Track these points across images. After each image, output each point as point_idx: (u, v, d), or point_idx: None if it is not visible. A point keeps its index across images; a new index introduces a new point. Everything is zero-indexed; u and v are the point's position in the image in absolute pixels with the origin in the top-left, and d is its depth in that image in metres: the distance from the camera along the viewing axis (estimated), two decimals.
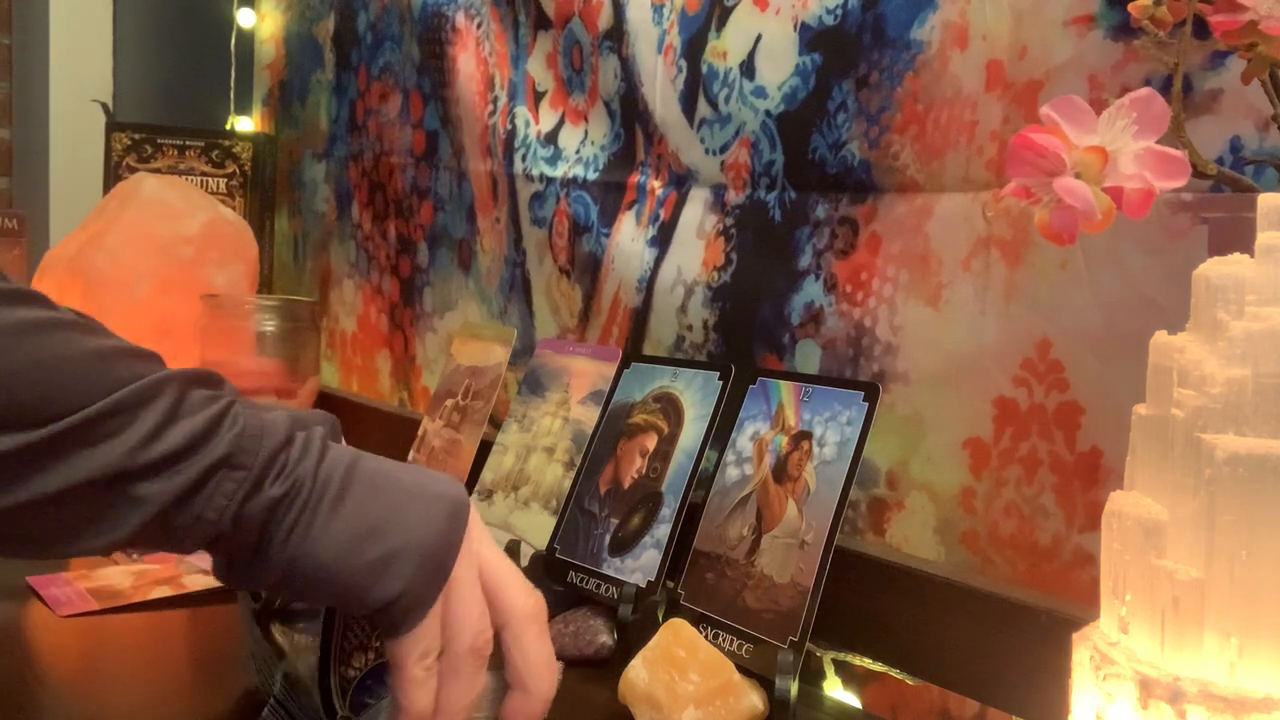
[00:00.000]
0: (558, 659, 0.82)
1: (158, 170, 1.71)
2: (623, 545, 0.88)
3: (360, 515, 0.52)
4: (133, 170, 1.69)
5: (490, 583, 0.56)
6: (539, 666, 0.57)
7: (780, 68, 0.92)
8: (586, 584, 0.88)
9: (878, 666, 0.79)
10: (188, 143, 1.74)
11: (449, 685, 0.54)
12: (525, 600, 0.57)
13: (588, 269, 1.14)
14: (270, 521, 0.50)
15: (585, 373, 1.02)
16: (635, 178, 1.09)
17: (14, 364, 0.45)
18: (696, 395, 0.90)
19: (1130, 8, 0.56)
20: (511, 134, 1.25)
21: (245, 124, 1.87)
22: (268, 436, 0.51)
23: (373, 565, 0.51)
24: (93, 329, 0.50)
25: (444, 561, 0.53)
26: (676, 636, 0.73)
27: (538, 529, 0.96)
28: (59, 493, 0.46)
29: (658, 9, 1.04)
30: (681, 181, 1.03)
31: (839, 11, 0.87)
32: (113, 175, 1.70)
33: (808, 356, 0.91)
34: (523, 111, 1.23)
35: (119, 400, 0.47)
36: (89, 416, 0.46)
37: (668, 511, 0.86)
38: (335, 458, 0.53)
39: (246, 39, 1.86)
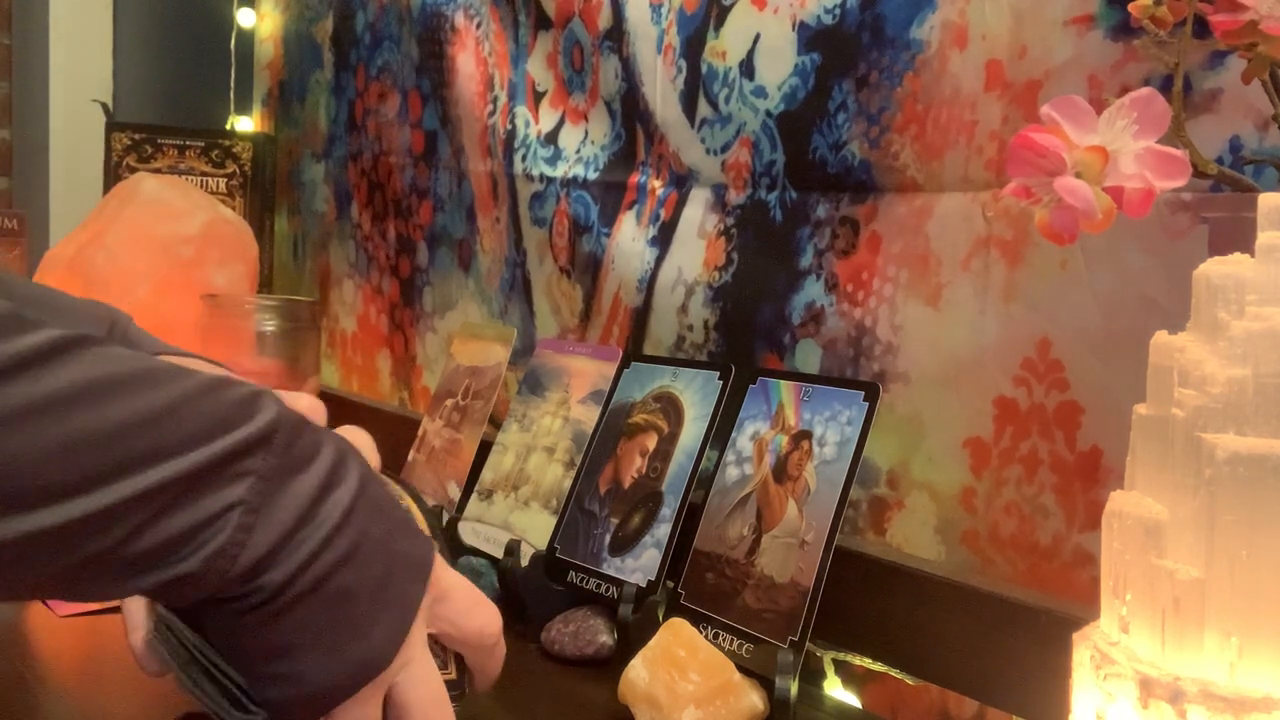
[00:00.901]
0: (558, 659, 0.83)
1: (158, 170, 1.71)
2: (623, 545, 0.88)
3: (285, 635, 0.49)
4: (133, 170, 1.69)
5: (455, 645, 0.57)
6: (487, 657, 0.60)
7: (779, 67, 0.92)
8: (586, 584, 0.88)
9: (878, 666, 0.79)
10: (188, 143, 1.74)
11: None
12: (489, 631, 0.58)
13: (588, 269, 1.14)
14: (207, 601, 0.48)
15: (585, 372, 1.02)
16: (636, 177, 1.09)
17: (34, 446, 0.41)
18: (696, 395, 0.90)
19: (1130, 7, 0.56)
20: (511, 134, 1.25)
21: (245, 124, 1.87)
22: (250, 547, 0.46)
23: (272, 677, 0.50)
24: (141, 378, 0.45)
25: (328, 702, 0.51)
26: (676, 636, 0.73)
27: (538, 529, 0.96)
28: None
29: (656, 8, 1.04)
30: (682, 181, 1.03)
31: (837, 11, 0.87)
32: (113, 175, 1.70)
33: (808, 356, 0.91)
34: (523, 111, 1.23)
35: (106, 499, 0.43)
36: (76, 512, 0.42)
37: (668, 511, 0.86)
38: (325, 559, 0.49)
39: (246, 39, 1.86)
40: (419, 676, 0.53)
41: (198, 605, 0.49)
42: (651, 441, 0.91)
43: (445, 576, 0.56)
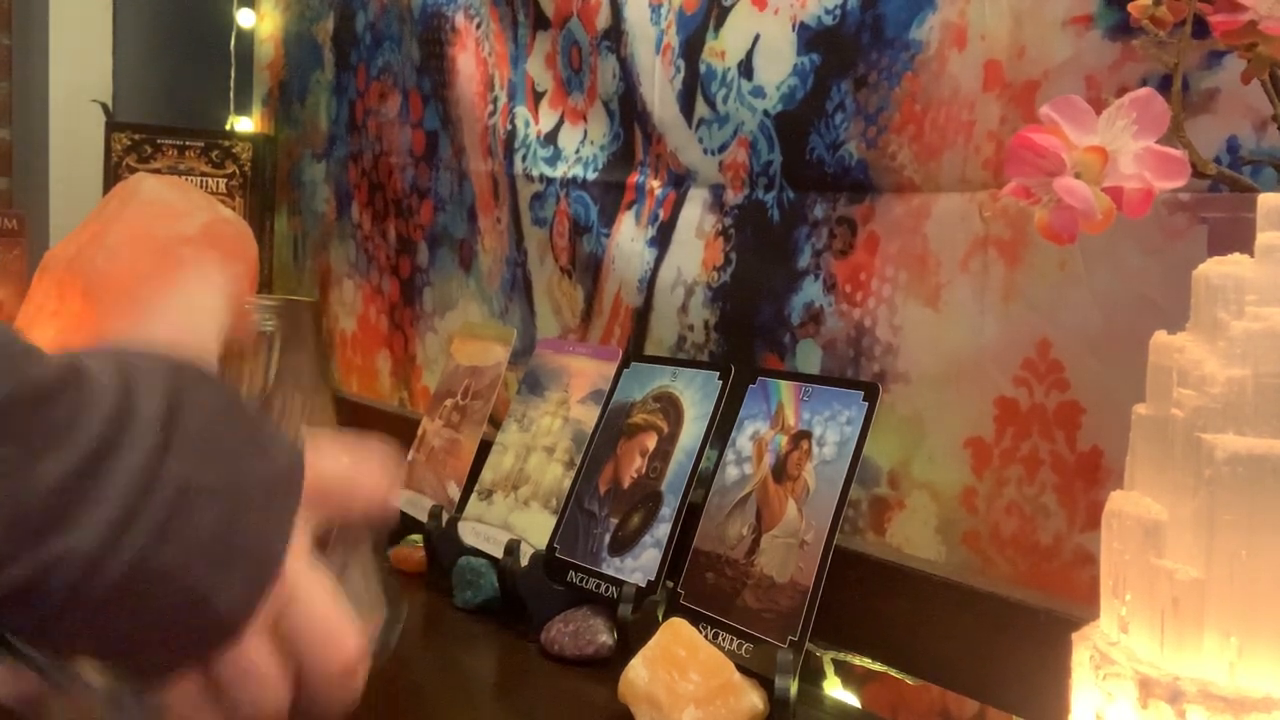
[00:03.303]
0: (557, 659, 0.83)
1: (158, 170, 1.71)
2: (622, 545, 0.88)
3: (110, 633, 0.38)
4: (133, 170, 1.69)
5: None
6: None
7: (778, 68, 0.92)
8: (586, 583, 0.88)
9: (878, 666, 0.79)
10: (187, 143, 1.74)
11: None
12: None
13: (588, 269, 1.14)
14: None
15: (585, 372, 1.02)
16: (634, 178, 1.09)
17: None
18: (696, 395, 0.90)
19: (1130, 8, 0.56)
20: (511, 134, 1.25)
21: (245, 124, 1.87)
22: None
23: (221, 566, 0.39)
24: None
25: (273, 564, 0.40)
26: (676, 636, 0.73)
27: (538, 528, 0.96)
28: None
29: (655, 9, 1.04)
30: (680, 181, 1.03)
31: (838, 11, 0.87)
32: (113, 175, 1.70)
33: (808, 356, 0.91)
34: (522, 111, 1.23)
35: None
36: None
37: (667, 511, 0.86)
38: (121, 553, 0.36)
39: (246, 39, 1.86)
40: (309, 607, 0.41)
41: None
42: (651, 441, 0.91)
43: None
